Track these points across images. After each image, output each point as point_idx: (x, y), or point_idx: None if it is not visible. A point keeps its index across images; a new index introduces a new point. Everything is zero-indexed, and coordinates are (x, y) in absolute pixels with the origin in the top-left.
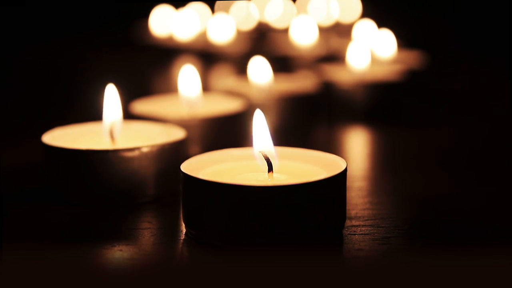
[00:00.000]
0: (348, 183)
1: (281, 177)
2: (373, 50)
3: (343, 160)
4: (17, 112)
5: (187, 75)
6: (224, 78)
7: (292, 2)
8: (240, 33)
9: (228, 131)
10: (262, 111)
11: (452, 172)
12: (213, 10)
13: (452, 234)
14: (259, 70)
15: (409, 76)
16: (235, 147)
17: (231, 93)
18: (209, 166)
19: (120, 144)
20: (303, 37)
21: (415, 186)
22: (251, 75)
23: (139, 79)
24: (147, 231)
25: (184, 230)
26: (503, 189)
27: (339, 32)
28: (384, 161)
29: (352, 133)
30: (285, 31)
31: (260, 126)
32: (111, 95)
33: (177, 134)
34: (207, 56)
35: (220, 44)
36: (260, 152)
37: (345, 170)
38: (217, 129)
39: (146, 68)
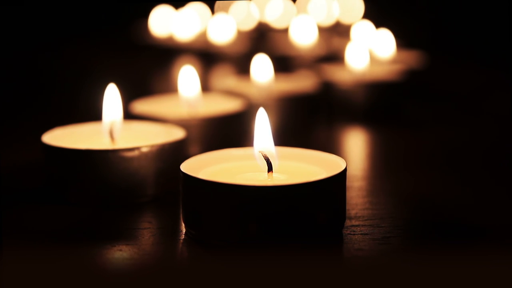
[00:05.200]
0: (348, 183)
1: (281, 177)
2: (372, 50)
3: (343, 160)
4: (17, 112)
5: (187, 75)
6: (224, 78)
7: (292, 2)
8: (240, 33)
9: (228, 131)
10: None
11: (452, 172)
12: (213, 10)
13: (452, 234)
14: (261, 68)
15: (408, 76)
16: (235, 147)
17: (231, 93)
18: (209, 166)
19: (120, 144)
20: (303, 37)
21: (415, 186)
22: (253, 73)
23: (139, 79)
24: (147, 231)
25: (184, 230)
26: (504, 188)
27: (339, 32)
28: (383, 161)
29: (352, 133)
30: (285, 31)
31: (262, 125)
32: (111, 95)
33: (177, 134)
34: (207, 56)
35: (220, 44)
36: (260, 152)
37: (345, 170)
38: (217, 129)
39: (146, 68)
